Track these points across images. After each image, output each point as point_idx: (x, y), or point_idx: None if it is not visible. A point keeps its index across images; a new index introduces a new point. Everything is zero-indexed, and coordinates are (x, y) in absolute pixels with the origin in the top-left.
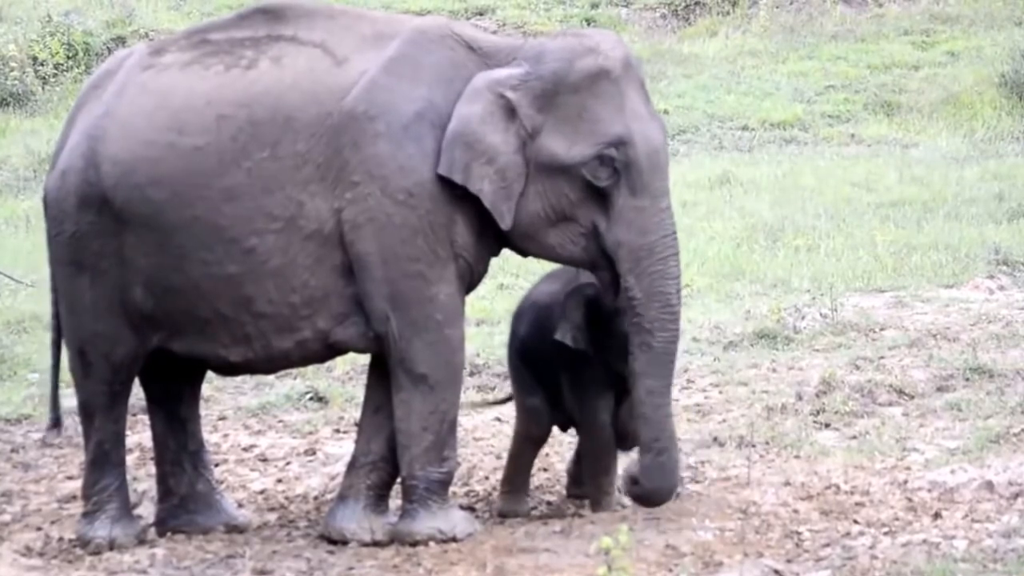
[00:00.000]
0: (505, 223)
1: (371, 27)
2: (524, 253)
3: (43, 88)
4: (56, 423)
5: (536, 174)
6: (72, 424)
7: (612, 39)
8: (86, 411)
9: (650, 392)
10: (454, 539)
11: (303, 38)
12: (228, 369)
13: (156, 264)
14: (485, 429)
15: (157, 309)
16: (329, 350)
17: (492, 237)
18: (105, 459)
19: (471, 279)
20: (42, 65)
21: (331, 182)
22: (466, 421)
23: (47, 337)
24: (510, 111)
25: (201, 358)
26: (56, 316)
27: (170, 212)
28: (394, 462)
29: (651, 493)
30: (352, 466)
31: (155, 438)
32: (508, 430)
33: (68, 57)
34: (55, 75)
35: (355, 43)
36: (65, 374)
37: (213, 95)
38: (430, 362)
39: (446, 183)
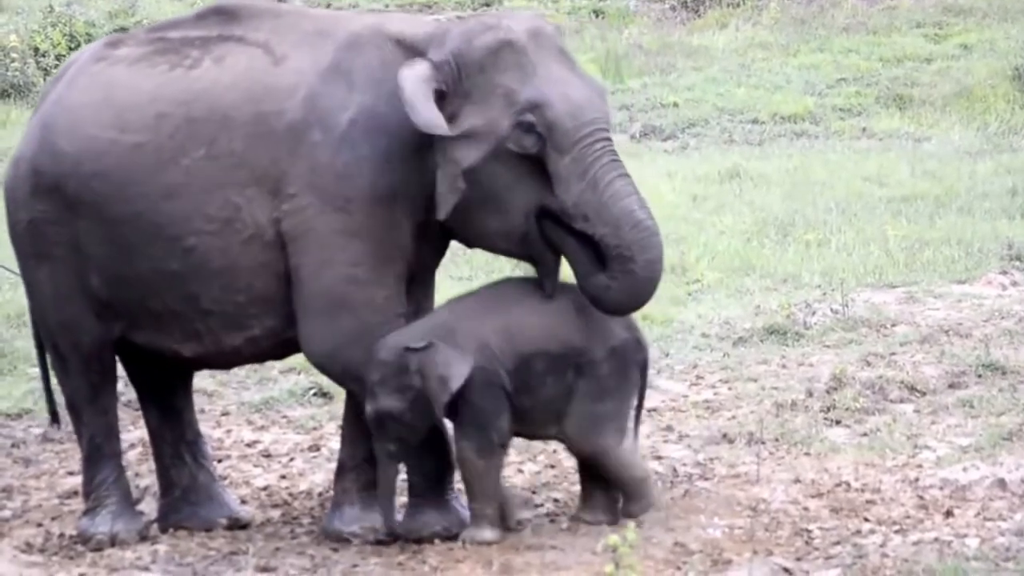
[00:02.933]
0: (441, 213)
1: (313, 24)
2: (470, 243)
3: (44, 79)
4: (55, 417)
5: None
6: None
7: (523, 16)
8: (73, 407)
9: (619, 305)
10: (458, 536)
11: (249, 38)
12: (184, 363)
13: (107, 254)
14: None
15: (114, 298)
16: (283, 347)
17: (436, 236)
18: (99, 453)
19: (419, 277)
20: (44, 56)
21: (269, 192)
22: None
23: None
24: (439, 98)
25: (159, 351)
26: (33, 312)
27: (115, 206)
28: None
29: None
30: (340, 471)
31: (151, 432)
32: None
33: (70, 48)
34: (56, 66)
35: (294, 41)
36: None
37: (155, 93)
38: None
39: (386, 188)
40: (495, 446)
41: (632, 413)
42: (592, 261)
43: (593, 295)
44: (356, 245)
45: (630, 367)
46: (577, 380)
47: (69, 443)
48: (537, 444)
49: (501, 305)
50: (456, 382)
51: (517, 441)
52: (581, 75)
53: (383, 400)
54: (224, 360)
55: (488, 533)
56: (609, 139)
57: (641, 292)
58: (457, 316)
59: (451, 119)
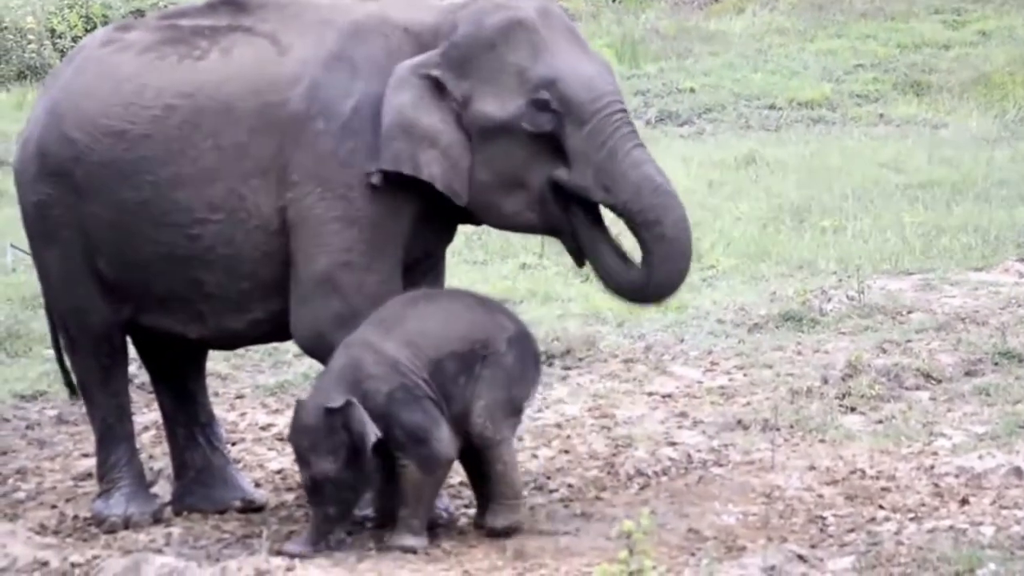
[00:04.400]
0: (462, 200)
1: (316, 14)
2: (491, 225)
3: (61, 61)
4: (73, 390)
5: (479, 142)
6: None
7: None
8: (84, 389)
9: (669, 274)
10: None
11: (257, 29)
12: (189, 345)
13: (113, 239)
14: None
15: (120, 281)
16: (285, 329)
17: (443, 219)
18: (111, 434)
19: (424, 263)
20: (60, 38)
21: (274, 181)
22: None
23: None
24: (438, 89)
25: (164, 333)
26: (44, 293)
27: (121, 193)
28: None
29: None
30: None
31: (165, 415)
32: (529, 411)
33: (86, 30)
34: (74, 48)
35: (299, 31)
36: None
37: (164, 85)
38: None
39: (387, 175)
40: (439, 460)
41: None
42: (616, 254)
43: (631, 286)
44: (352, 231)
45: (529, 357)
46: (483, 371)
47: (84, 425)
48: (552, 429)
49: (394, 321)
50: (371, 439)
51: (532, 426)
52: (590, 53)
53: (318, 465)
54: (228, 341)
55: (411, 540)
56: (624, 111)
57: (679, 255)
58: (358, 350)
59: (464, 102)
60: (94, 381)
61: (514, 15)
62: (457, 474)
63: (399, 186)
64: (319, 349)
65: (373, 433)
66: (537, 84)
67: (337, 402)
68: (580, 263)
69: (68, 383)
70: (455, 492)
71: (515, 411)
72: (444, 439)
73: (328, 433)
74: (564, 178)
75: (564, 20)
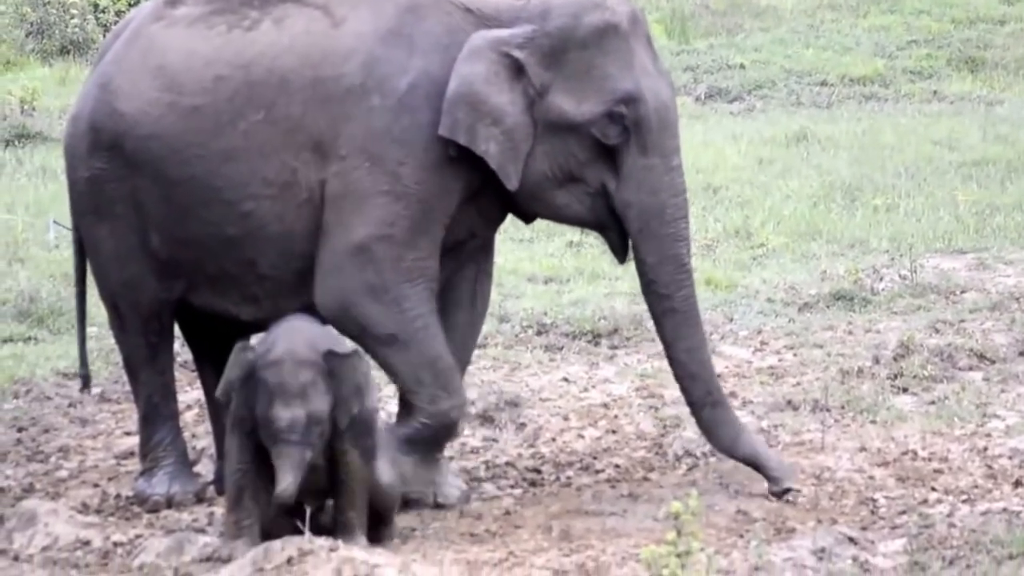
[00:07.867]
0: (512, 184)
1: None
2: (529, 217)
3: (104, 36)
4: (86, 381)
5: (544, 133)
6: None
7: None
8: (130, 367)
9: (689, 351)
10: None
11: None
12: (243, 328)
13: (165, 215)
14: (552, 390)
15: (173, 259)
16: None
17: (495, 203)
18: (156, 413)
19: (470, 243)
20: (103, 12)
21: (322, 154)
22: (532, 381)
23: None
24: (517, 70)
25: (217, 314)
26: (78, 268)
27: (172, 168)
28: None
29: (719, 446)
30: None
31: (208, 395)
32: (575, 391)
33: (130, 4)
34: (116, 22)
35: (352, 3)
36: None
37: (213, 56)
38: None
39: (440, 154)
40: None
41: None
42: None
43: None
44: (397, 206)
45: None
46: None
47: (126, 403)
48: (599, 409)
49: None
50: (371, 397)
51: (578, 406)
52: (661, 68)
53: (315, 401)
54: None
55: (364, 540)
56: (678, 144)
57: (690, 325)
58: (320, 331)
59: (541, 91)
60: (141, 359)
61: (611, 19)
62: (504, 454)
63: (451, 165)
64: (344, 319)
65: (374, 391)
66: (619, 98)
67: (345, 349)
68: (622, 259)
69: (84, 374)
70: (501, 472)
71: None
72: None
73: (328, 373)
74: (611, 190)
75: (646, 28)
